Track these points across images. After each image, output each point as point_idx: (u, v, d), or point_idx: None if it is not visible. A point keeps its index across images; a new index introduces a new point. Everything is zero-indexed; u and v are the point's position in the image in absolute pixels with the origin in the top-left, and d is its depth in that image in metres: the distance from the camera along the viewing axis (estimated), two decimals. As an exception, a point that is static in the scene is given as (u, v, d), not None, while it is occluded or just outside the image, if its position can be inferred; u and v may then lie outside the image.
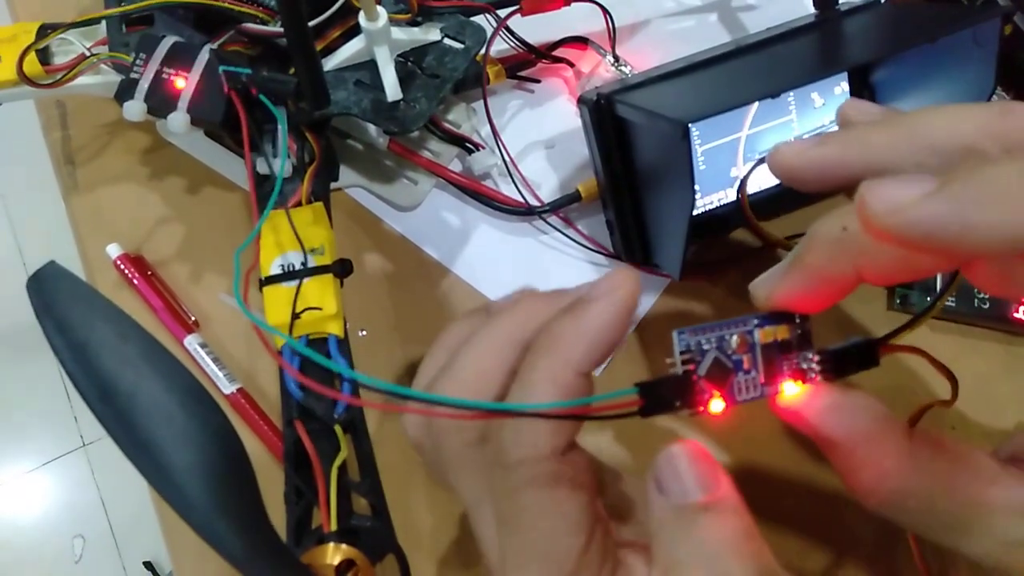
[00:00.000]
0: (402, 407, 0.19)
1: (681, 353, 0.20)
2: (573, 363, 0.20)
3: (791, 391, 0.21)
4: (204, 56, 0.35)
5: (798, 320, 0.22)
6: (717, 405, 0.20)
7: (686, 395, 0.20)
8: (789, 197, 0.40)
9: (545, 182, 0.43)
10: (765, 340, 0.21)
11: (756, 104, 0.36)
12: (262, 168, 0.36)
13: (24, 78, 0.37)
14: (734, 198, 0.39)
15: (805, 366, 0.21)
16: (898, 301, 0.40)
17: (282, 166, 0.34)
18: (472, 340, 0.22)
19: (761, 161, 0.35)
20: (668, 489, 0.20)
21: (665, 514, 0.20)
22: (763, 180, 0.39)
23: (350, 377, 0.30)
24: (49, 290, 0.22)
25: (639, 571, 0.20)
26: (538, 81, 0.45)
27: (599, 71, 0.43)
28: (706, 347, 0.20)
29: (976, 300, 0.40)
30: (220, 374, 0.38)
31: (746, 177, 0.33)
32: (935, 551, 0.35)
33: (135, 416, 0.20)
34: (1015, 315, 0.40)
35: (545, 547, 0.19)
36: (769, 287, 0.22)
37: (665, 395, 0.20)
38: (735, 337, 0.21)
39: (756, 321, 0.21)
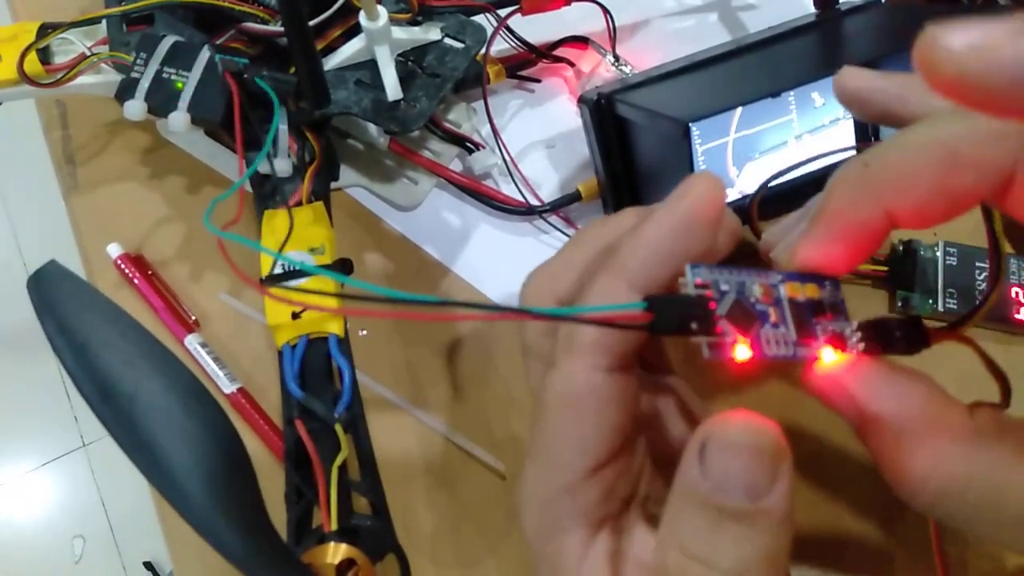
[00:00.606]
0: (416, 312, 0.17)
1: (702, 283, 0.18)
2: (626, 276, 0.18)
3: (830, 358, 0.18)
4: (204, 55, 0.35)
5: (827, 284, 0.19)
6: (743, 351, 0.17)
7: (703, 321, 0.17)
8: (788, 198, 0.40)
9: (546, 182, 0.43)
10: (793, 295, 0.19)
11: (745, 106, 0.36)
12: (262, 167, 0.36)
13: (24, 77, 0.37)
14: (735, 198, 0.39)
15: (846, 332, 0.19)
16: (899, 304, 0.40)
17: (266, 147, 0.34)
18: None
19: (768, 183, 0.35)
20: (711, 474, 0.16)
21: (695, 494, 0.17)
22: (761, 181, 0.39)
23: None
24: (50, 289, 0.22)
25: (639, 540, 0.19)
26: (538, 81, 0.45)
27: (599, 71, 0.43)
28: (724, 287, 0.18)
29: (977, 302, 0.40)
30: (220, 374, 0.38)
31: (756, 195, 0.33)
32: (955, 543, 0.35)
33: (136, 416, 0.20)
34: (1016, 316, 0.40)
35: (552, 452, 0.19)
36: (793, 244, 0.19)
37: (680, 314, 0.17)
38: (757, 286, 0.18)
39: (780, 276, 0.19)
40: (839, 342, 0.19)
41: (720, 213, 0.19)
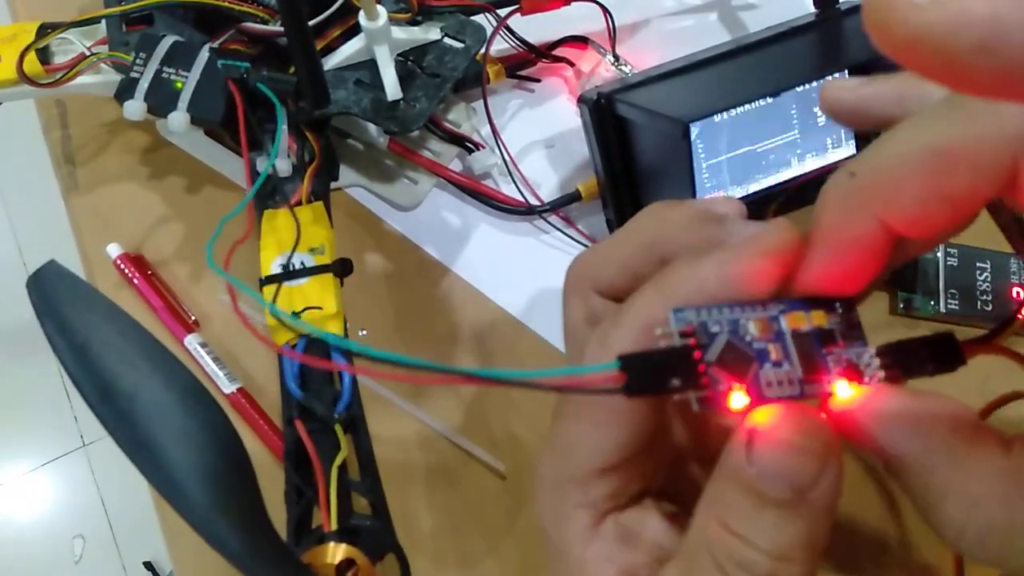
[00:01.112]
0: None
1: (686, 330, 0.16)
2: (670, 302, 0.17)
3: (845, 393, 0.17)
4: (204, 55, 0.35)
5: (839, 307, 0.17)
6: (739, 400, 0.16)
7: (686, 375, 0.16)
8: (788, 197, 0.40)
9: (545, 181, 0.43)
10: (796, 326, 0.17)
11: (745, 105, 0.36)
12: (262, 167, 0.36)
13: (24, 77, 0.37)
14: (737, 197, 0.39)
15: (860, 362, 0.17)
16: (901, 306, 0.40)
17: (274, 154, 0.34)
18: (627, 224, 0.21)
19: (776, 194, 0.35)
20: (757, 464, 0.15)
21: (739, 478, 0.16)
22: (760, 182, 0.39)
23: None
24: (49, 289, 0.22)
25: (653, 526, 0.19)
26: (538, 80, 0.45)
27: (599, 70, 0.43)
28: (715, 329, 0.16)
29: (979, 302, 0.40)
30: (220, 374, 0.38)
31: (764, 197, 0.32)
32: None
33: (136, 416, 0.20)
34: (1018, 316, 0.40)
35: (566, 449, 0.19)
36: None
37: (657, 370, 0.16)
38: (753, 322, 0.17)
39: (782, 307, 0.17)
40: (854, 373, 0.17)
41: (780, 281, 0.17)
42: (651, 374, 0.16)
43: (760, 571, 0.15)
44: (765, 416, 0.16)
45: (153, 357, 0.21)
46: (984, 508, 0.15)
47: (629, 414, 0.18)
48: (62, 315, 0.21)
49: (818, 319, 0.17)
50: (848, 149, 0.38)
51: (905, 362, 0.17)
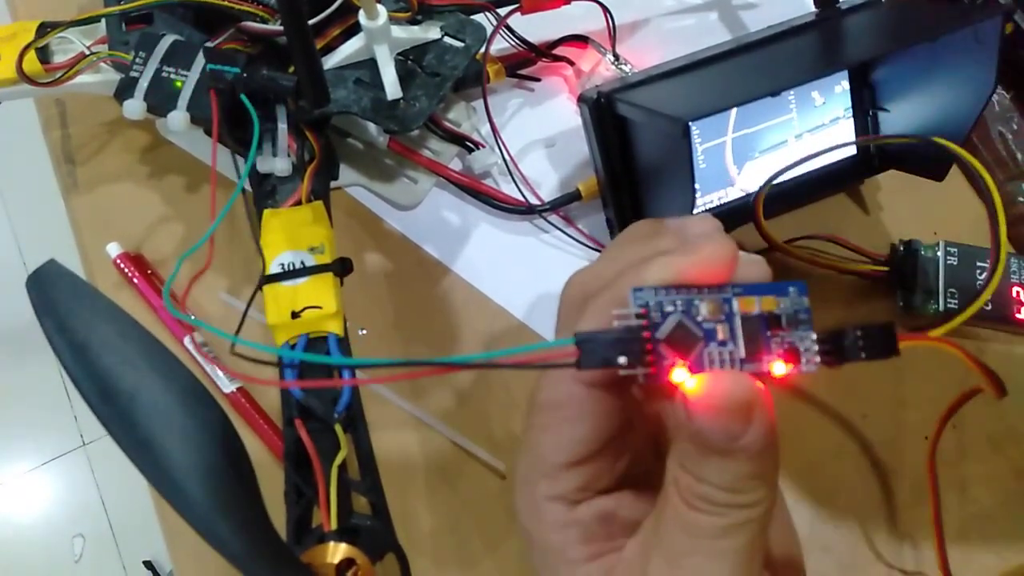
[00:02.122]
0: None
1: (640, 312, 0.18)
2: (616, 305, 0.19)
3: (780, 371, 0.19)
4: (204, 55, 0.35)
5: (791, 292, 0.19)
6: (680, 374, 0.18)
7: (635, 352, 0.18)
8: (788, 197, 0.40)
9: (545, 181, 0.43)
10: (746, 310, 0.19)
11: (745, 105, 0.36)
12: (262, 167, 0.36)
13: (24, 76, 0.36)
14: (735, 196, 0.39)
15: (801, 346, 0.19)
16: (900, 304, 0.40)
17: (247, 169, 0.34)
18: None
19: (774, 178, 0.35)
20: (695, 420, 0.18)
21: (684, 430, 0.18)
22: (761, 179, 0.39)
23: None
24: (49, 289, 0.22)
25: (629, 505, 0.21)
26: (538, 79, 0.44)
27: (599, 69, 0.43)
28: (669, 309, 0.18)
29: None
30: (220, 374, 0.38)
31: (761, 190, 0.32)
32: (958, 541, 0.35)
33: (136, 415, 0.20)
34: (1016, 315, 0.40)
35: (535, 447, 0.21)
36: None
37: (608, 349, 0.18)
38: (706, 303, 0.19)
39: (738, 289, 0.19)
40: (792, 356, 0.19)
41: (724, 280, 0.19)
42: (601, 351, 0.18)
43: (718, 500, 0.18)
44: (700, 382, 0.18)
45: (153, 357, 0.21)
46: None
47: (588, 413, 0.20)
48: (62, 315, 0.21)
49: (768, 304, 0.19)
50: (847, 127, 0.38)
51: (842, 348, 0.19)
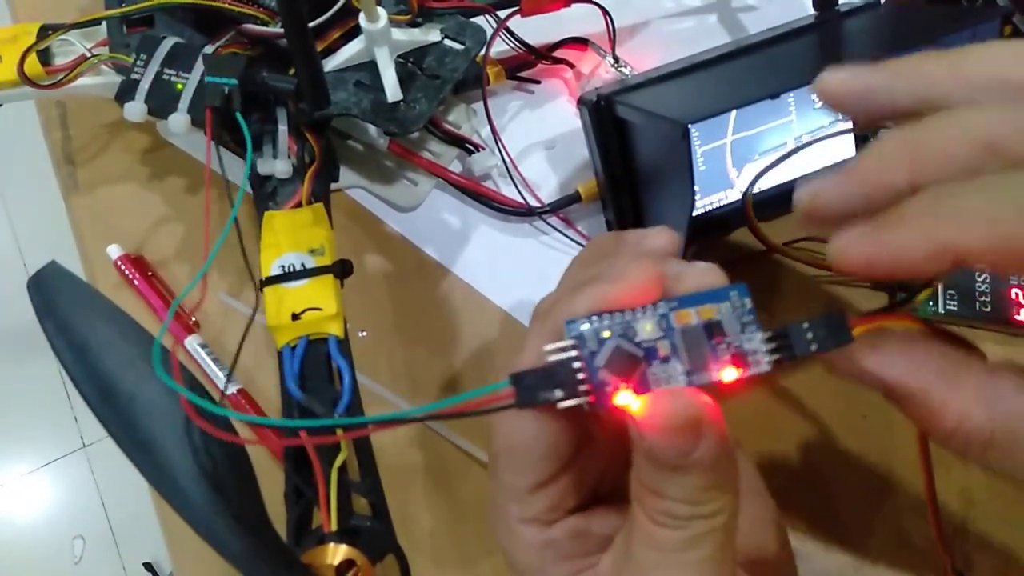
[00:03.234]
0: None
1: (572, 344, 0.18)
2: (554, 336, 0.20)
3: (731, 377, 0.19)
4: (203, 63, 0.35)
5: (731, 296, 0.19)
6: (624, 397, 0.18)
7: (570, 384, 0.18)
8: (789, 199, 0.40)
9: (545, 183, 0.43)
10: (683, 322, 0.19)
11: (745, 107, 0.36)
12: (263, 169, 0.36)
13: (25, 79, 0.37)
14: (734, 199, 0.39)
15: (748, 348, 0.19)
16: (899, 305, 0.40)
17: (243, 184, 0.34)
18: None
19: (769, 168, 0.35)
20: (646, 440, 0.18)
21: (640, 448, 0.19)
22: (762, 182, 0.39)
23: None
24: (50, 290, 0.22)
25: (601, 520, 0.21)
26: (538, 82, 0.45)
27: (599, 72, 0.43)
28: (605, 335, 0.18)
29: (977, 303, 0.40)
30: (220, 374, 0.38)
31: (753, 182, 0.33)
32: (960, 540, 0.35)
33: (136, 416, 0.20)
34: (1016, 317, 0.40)
35: (499, 475, 0.22)
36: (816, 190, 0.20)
37: (543, 384, 0.18)
38: (643, 323, 0.18)
39: (673, 303, 0.19)
40: (740, 360, 0.19)
41: (654, 299, 0.19)
42: (536, 388, 0.18)
43: (680, 514, 0.18)
44: (643, 404, 0.18)
45: (153, 358, 0.21)
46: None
47: (544, 435, 0.20)
48: (62, 316, 0.21)
49: (706, 313, 0.19)
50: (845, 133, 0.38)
51: (791, 345, 0.19)
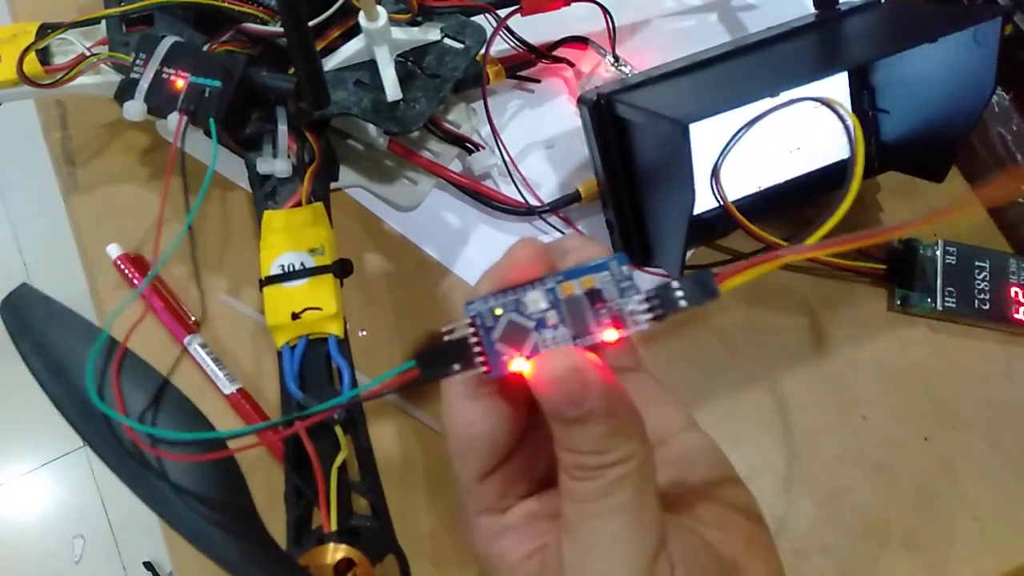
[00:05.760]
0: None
1: (469, 322, 0.21)
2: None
3: (612, 337, 0.21)
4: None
5: (611, 266, 0.21)
6: (518, 364, 0.20)
7: (466, 357, 0.20)
8: (788, 197, 0.40)
9: (545, 182, 0.43)
10: (568, 293, 0.21)
11: (745, 106, 0.36)
12: (263, 168, 0.36)
13: (24, 78, 0.37)
14: (733, 198, 0.39)
15: (626, 310, 0.21)
16: (898, 302, 0.40)
17: (196, 204, 0.34)
18: None
19: (729, 146, 0.35)
20: (541, 399, 0.20)
21: (544, 410, 0.20)
22: (758, 182, 0.39)
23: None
24: (23, 313, 0.22)
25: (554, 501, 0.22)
26: (538, 81, 0.45)
27: (599, 71, 0.43)
28: (499, 312, 0.21)
29: (976, 301, 0.40)
30: (220, 374, 0.38)
31: (719, 162, 0.33)
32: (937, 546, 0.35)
33: (119, 432, 0.20)
34: (1015, 316, 0.40)
35: (453, 468, 0.22)
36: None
37: (443, 359, 0.20)
38: (532, 296, 0.21)
39: (560, 277, 0.21)
40: (619, 321, 0.21)
41: (532, 277, 0.21)
42: (437, 363, 0.20)
43: (589, 464, 0.20)
44: (530, 365, 0.20)
45: (133, 371, 0.21)
46: None
47: (483, 420, 0.21)
48: (36, 337, 0.21)
49: (587, 283, 0.21)
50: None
51: (664, 303, 0.21)
